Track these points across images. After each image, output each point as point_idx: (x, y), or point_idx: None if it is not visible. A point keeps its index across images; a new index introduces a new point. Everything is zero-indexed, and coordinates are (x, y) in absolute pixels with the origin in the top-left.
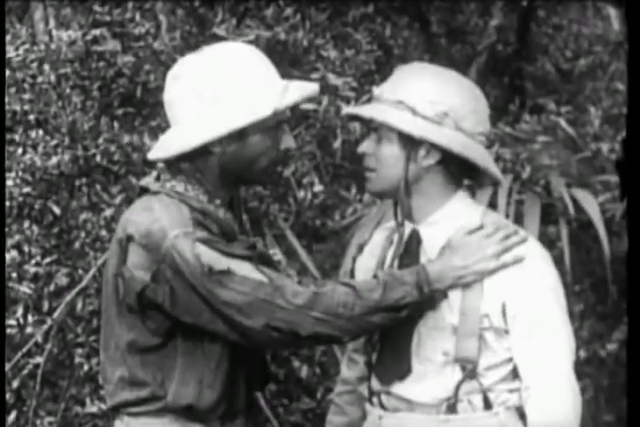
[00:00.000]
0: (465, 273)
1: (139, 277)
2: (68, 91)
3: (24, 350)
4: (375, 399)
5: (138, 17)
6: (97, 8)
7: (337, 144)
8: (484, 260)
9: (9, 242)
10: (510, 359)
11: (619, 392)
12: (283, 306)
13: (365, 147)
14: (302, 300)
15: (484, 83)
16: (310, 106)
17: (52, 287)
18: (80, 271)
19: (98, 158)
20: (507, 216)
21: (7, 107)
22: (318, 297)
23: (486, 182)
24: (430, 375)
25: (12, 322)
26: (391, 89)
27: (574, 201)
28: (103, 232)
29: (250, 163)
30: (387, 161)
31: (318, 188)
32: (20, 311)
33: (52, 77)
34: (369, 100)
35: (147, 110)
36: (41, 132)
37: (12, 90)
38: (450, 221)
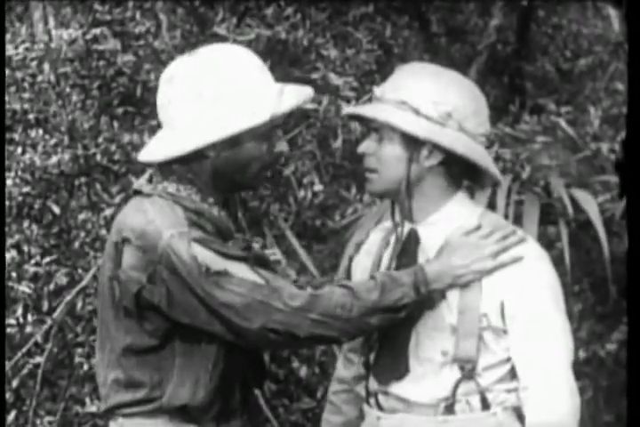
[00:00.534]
0: (463, 273)
1: (135, 279)
2: (67, 90)
3: (24, 349)
4: (372, 400)
5: (138, 16)
6: (97, 7)
7: (337, 144)
8: (481, 260)
9: (8, 242)
10: (508, 359)
11: (618, 392)
12: (280, 308)
13: (366, 147)
14: (300, 302)
15: (484, 83)
16: (311, 105)
17: (51, 287)
18: (80, 271)
19: (98, 158)
20: (506, 217)
21: (7, 106)
22: (316, 299)
23: (486, 183)
24: (428, 375)
25: (11, 322)
26: (393, 89)
27: (574, 201)
28: (103, 232)
29: (243, 167)
30: (388, 161)
31: (318, 187)
32: (19, 311)
33: (52, 76)
34: (370, 100)
35: (147, 109)
36: (40, 131)
37: (12, 89)
38: (448, 222)
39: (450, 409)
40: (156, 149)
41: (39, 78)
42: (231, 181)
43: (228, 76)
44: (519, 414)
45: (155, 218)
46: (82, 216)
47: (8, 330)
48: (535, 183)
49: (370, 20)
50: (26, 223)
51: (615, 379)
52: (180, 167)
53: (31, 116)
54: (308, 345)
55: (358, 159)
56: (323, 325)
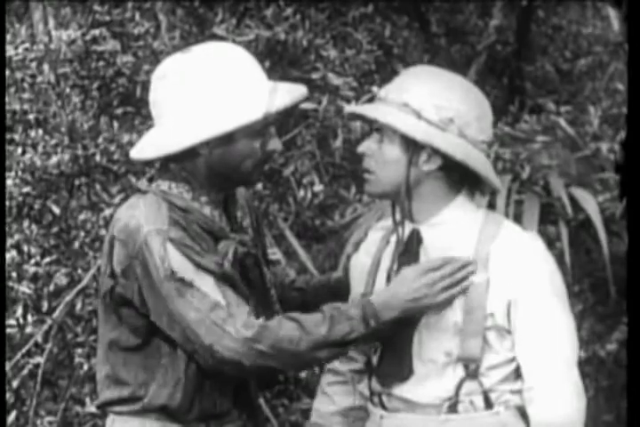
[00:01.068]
0: (411, 306)
1: (114, 273)
2: (67, 90)
3: (24, 349)
4: (376, 399)
5: (137, 17)
6: (96, 8)
7: (337, 143)
8: (431, 295)
9: (8, 242)
10: (512, 360)
11: (618, 392)
12: (231, 335)
13: (366, 147)
14: (251, 332)
15: (484, 83)
16: (310, 105)
17: (51, 287)
18: (80, 271)
19: (97, 158)
20: (505, 216)
21: (7, 106)
22: (265, 331)
23: (485, 190)
24: (432, 376)
25: (11, 322)
26: (397, 91)
27: (573, 201)
28: (103, 232)
29: (236, 164)
30: (387, 163)
31: (318, 187)
32: (19, 311)
33: (52, 77)
34: (371, 100)
35: (146, 110)
36: (40, 131)
37: (12, 89)
38: (451, 224)
39: (453, 409)
40: (147, 147)
41: (39, 79)
42: (225, 178)
43: (221, 73)
44: (522, 414)
45: (139, 214)
46: (82, 216)
47: (8, 330)
48: (535, 183)
49: (369, 21)
50: (26, 223)
51: (615, 379)
52: (174, 165)
53: (31, 117)
54: (253, 374)
55: (358, 159)
56: (270, 357)
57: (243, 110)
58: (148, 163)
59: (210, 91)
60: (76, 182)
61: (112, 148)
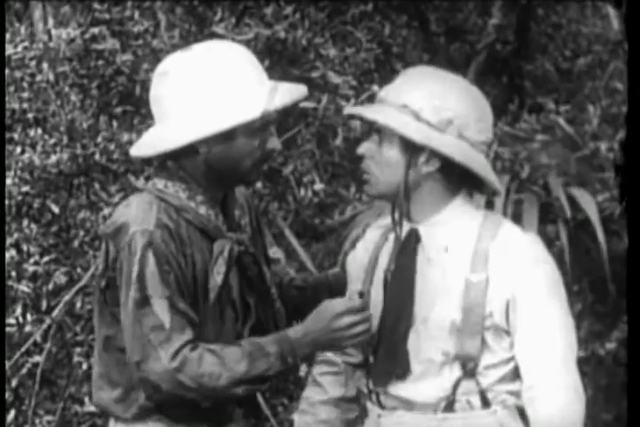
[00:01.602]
0: (326, 345)
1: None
2: (66, 89)
3: (23, 349)
4: (374, 397)
5: (137, 15)
6: (96, 6)
7: (337, 142)
8: (345, 338)
9: (8, 241)
10: (509, 360)
11: (617, 392)
12: (161, 360)
13: (365, 148)
14: (176, 363)
15: (483, 82)
16: (310, 104)
17: (50, 286)
18: (79, 270)
19: (97, 157)
20: (504, 216)
21: (6, 105)
22: (187, 363)
23: (486, 191)
24: (429, 375)
25: (11, 321)
26: (396, 92)
27: (572, 200)
28: None
29: (235, 163)
30: (386, 165)
31: (318, 186)
32: (18, 310)
33: (51, 76)
34: (370, 98)
35: (145, 109)
36: (40, 130)
37: (11, 88)
38: (449, 224)
39: (450, 408)
40: (146, 144)
41: (38, 78)
42: (224, 176)
43: (221, 72)
44: (520, 414)
45: (130, 212)
46: (81, 215)
47: (7, 329)
48: (534, 182)
49: (369, 19)
50: (25, 222)
51: (615, 378)
52: (172, 164)
53: (30, 116)
54: (167, 398)
55: (358, 158)
56: (189, 389)
57: (241, 109)
58: (147, 161)
59: (209, 89)
60: (75, 181)
61: (111, 147)
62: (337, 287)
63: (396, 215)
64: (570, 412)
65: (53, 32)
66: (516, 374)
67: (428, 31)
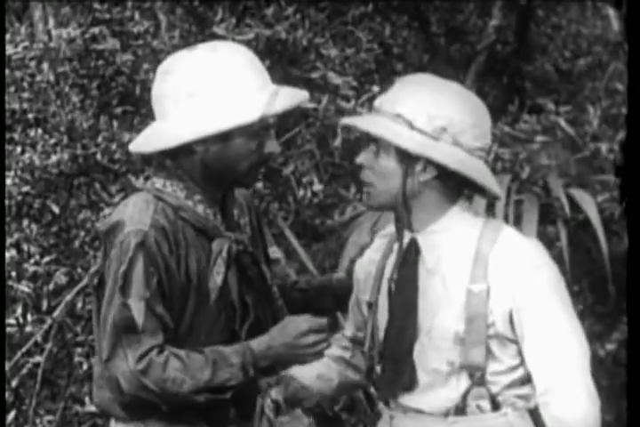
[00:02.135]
0: (286, 359)
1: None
2: (66, 89)
3: (23, 349)
4: (383, 403)
5: (137, 15)
6: (96, 6)
7: (337, 143)
8: (307, 355)
9: (8, 241)
10: (516, 366)
11: (618, 392)
12: (128, 361)
13: (363, 159)
14: (142, 365)
15: (484, 82)
16: (310, 105)
17: (51, 286)
18: (79, 270)
19: (97, 157)
20: (505, 216)
21: (6, 106)
22: (152, 366)
23: (486, 195)
24: (436, 386)
25: (11, 321)
26: (390, 102)
27: (572, 201)
28: None
29: (232, 164)
30: (384, 175)
31: (318, 187)
32: (19, 310)
33: (51, 76)
34: (371, 99)
35: (145, 109)
36: (40, 130)
37: (11, 89)
38: (449, 232)
39: (460, 411)
40: (145, 140)
41: (38, 78)
42: (221, 177)
43: (224, 73)
44: (531, 416)
45: (126, 211)
46: (81, 215)
47: (8, 329)
48: (534, 183)
49: (369, 20)
50: (25, 222)
51: (615, 379)
52: (170, 163)
53: (30, 116)
54: (129, 400)
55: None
56: (152, 393)
57: (241, 111)
58: (147, 161)
59: (211, 89)
60: (76, 182)
61: (112, 147)
62: (340, 293)
63: (400, 224)
64: (586, 415)
65: (53, 32)
66: (524, 379)
67: (428, 32)
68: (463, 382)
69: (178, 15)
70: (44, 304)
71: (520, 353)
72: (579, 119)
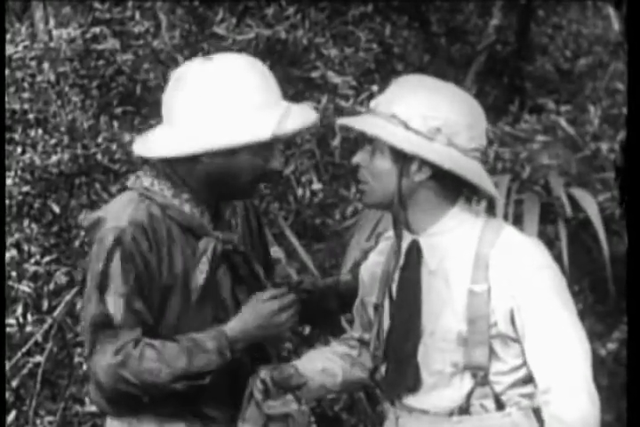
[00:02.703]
0: (260, 334)
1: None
2: (67, 89)
3: (24, 349)
4: (389, 403)
5: (137, 15)
6: (97, 6)
7: (336, 142)
8: (277, 334)
9: (8, 241)
10: (520, 366)
11: (618, 392)
12: (106, 355)
13: (359, 158)
14: (119, 358)
15: (484, 82)
16: (310, 104)
17: (51, 286)
18: (80, 270)
19: (97, 157)
20: (505, 216)
21: (7, 106)
22: (130, 358)
23: (483, 196)
24: (440, 387)
25: (11, 321)
26: (386, 102)
27: (573, 200)
28: None
29: (234, 177)
30: (379, 174)
31: (317, 186)
32: (19, 310)
33: (52, 76)
34: (370, 98)
35: (146, 109)
36: (40, 131)
37: (12, 89)
38: (450, 233)
39: (465, 411)
40: (152, 146)
41: (39, 78)
42: (221, 188)
43: (238, 87)
44: (535, 415)
45: (108, 208)
46: (82, 215)
47: (8, 329)
48: (535, 182)
49: (369, 20)
50: (26, 222)
51: (615, 378)
52: (165, 167)
53: (31, 116)
54: (111, 395)
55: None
56: (131, 385)
57: (253, 128)
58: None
59: (224, 103)
60: (76, 182)
61: (112, 147)
62: (347, 295)
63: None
64: (587, 414)
65: (54, 32)
66: (528, 378)
67: (428, 32)
68: (467, 382)
69: (178, 15)
70: (45, 304)
71: (523, 353)
72: (579, 119)
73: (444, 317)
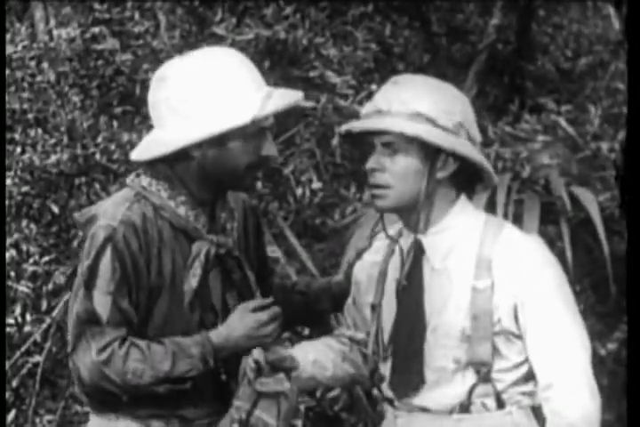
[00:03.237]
0: (245, 344)
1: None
2: (66, 89)
3: (23, 349)
4: (387, 403)
5: (137, 15)
6: (96, 6)
7: (335, 142)
8: (261, 344)
9: (7, 241)
10: (521, 364)
11: (618, 392)
12: (91, 352)
13: (376, 163)
14: (104, 356)
15: (484, 82)
16: (309, 104)
17: (50, 286)
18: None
19: (97, 157)
20: (505, 216)
21: (6, 106)
22: (114, 357)
23: (479, 189)
24: (441, 383)
25: (10, 321)
26: (402, 101)
27: (574, 199)
28: None
29: (229, 167)
30: (405, 176)
31: (316, 185)
32: (18, 310)
33: (51, 76)
34: (368, 97)
35: (145, 109)
36: (40, 130)
37: (12, 89)
38: (452, 231)
39: (465, 409)
40: (143, 148)
41: (38, 78)
42: (218, 180)
43: (216, 78)
44: (535, 414)
45: (103, 205)
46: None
47: (7, 329)
48: (535, 182)
49: (369, 20)
50: (25, 222)
51: (616, 378)
52: (161, 165)
53: (30, 116)
54: (90, 390)
55: (358, 158)
56: (113, 383)
57: (233, 114)
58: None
59: (204, 95)
60: (76, 182)
61: (111, 147)
62: (339, 296)
63: (396, 226)
64: (588, 411)
65: (54, 32)
66: (529, 376)
67: (429, 32)
68: (469, 379)
69: (178, 15)
70: (44, 304)
71: (525, 349)
72: (580, 119)
73: (447, 313)
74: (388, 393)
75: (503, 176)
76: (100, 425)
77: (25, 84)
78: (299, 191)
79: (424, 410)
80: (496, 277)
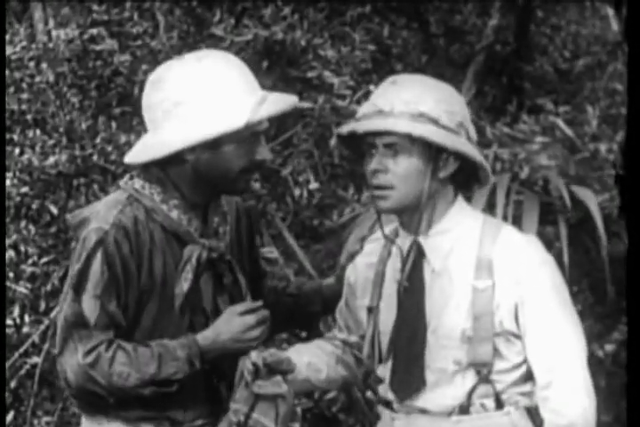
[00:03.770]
0: (232, 347)
1: None
2: (65, 90)
3: (21, 349)
4: (384, 404)
5: (136, 16)
6: (95, 7)
7: (334, 142)
8: (249, 339)
9: (6, 242)
10: (520, 364)
11: (617, 393)
12: (77, 354)
13: (378, 164)
14: (91, 358)
15: (483, 83)
16: (307, 104)
17: (48, 287)
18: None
19: (95, 158)
20: (505, 217)
21: (5, 106)
22: (100, 360)
23: (474, 187)
24: (441, 384)
25: (9, 322)
26: (404, 102)
27: (574, 198)
28: None
29: (223, 171)
30: (408, 176)
31: (314, 185)
32: (16, 311)
33: (50, 77)
34: (365, 97)
35: None
36: (38, 131)
37: (11, 89)
38: (451, 232)
39: (464, 410)
40: (137, 152)
41: (37, 79)
42: (211, 184)
43: (209, 82)
44: (533, 415)
45: (95, 207)
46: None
47: (5, 330)
48: (534, 183)
49: (367, 20)
50: (23, 223)
51: (614, 379)
52: (155, 168)
53: (29, 117)
54: (76, 393)
55: (356, 159)
56: (98, 385)
57: (226, 118)
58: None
59: (198, 98)
60: (74, 182)
61: (110, 148)
62: (330, 299)
63: (395, 227)
64: (584, 410)
65: (53, 33)
66: (528, 376)
67: (427, 32)
68: (469, 380)
69: (176, 16)
70: (42, 305)
71: (524, 349)
72: (578, 119)
73: (447, 315)
74: (388, 395)
75: (502, 177)
76: None
77: (24, 85)
78: (297, 192)
79: (423, 412)
80: (496, 278)
